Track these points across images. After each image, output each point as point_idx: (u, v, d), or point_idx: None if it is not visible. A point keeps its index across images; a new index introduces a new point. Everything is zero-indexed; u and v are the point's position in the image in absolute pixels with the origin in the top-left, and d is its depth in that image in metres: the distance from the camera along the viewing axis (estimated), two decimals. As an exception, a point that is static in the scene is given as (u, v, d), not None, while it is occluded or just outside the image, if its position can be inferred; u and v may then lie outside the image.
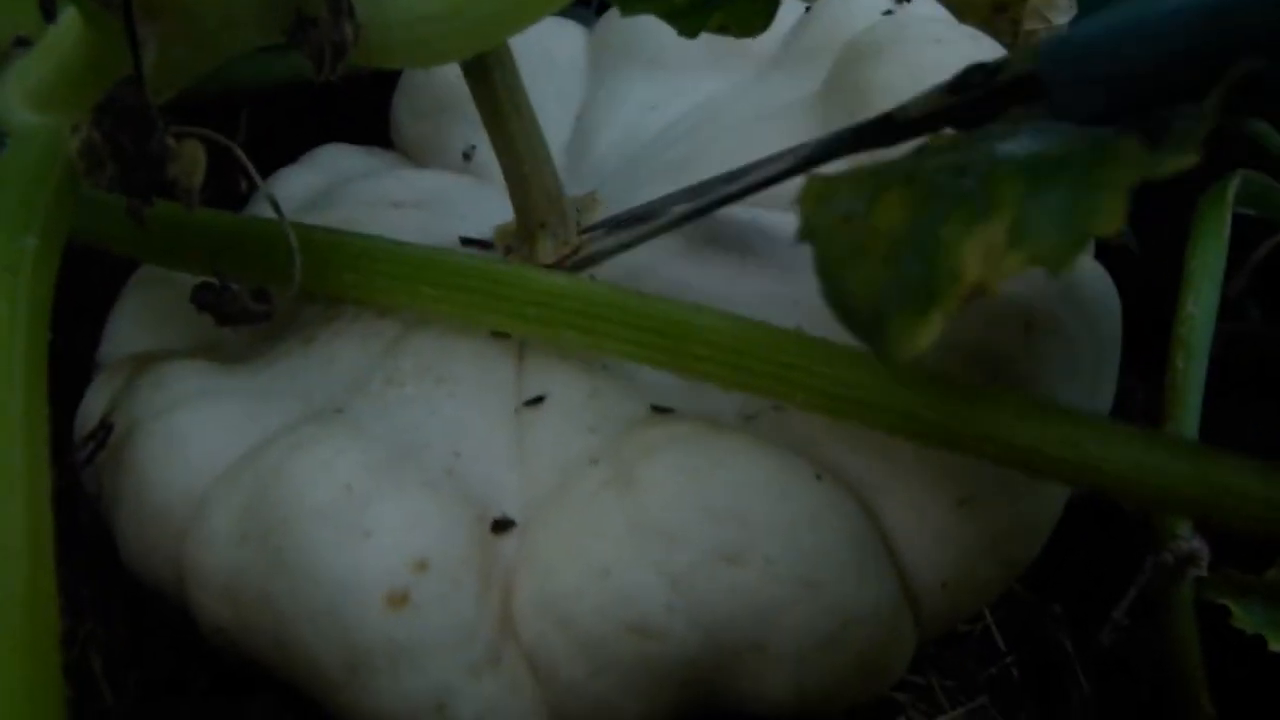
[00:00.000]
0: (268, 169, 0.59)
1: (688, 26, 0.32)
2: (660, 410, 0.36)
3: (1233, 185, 0.55)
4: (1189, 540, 0.53)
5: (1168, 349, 0.52)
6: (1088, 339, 0.35)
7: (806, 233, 0.30)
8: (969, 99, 0.34)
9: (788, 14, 0.52)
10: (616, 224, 0.42)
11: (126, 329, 0.47)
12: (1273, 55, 0.27)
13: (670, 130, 0.49)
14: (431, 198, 0.50)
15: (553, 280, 0.37)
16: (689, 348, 0.33)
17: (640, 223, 0.41)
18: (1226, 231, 0.55)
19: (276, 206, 0.40)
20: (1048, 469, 0.30)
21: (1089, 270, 0.37)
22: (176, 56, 0.39)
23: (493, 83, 0.43)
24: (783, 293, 0.37)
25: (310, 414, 0.39)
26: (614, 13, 0.55)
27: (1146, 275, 0.59)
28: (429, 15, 0.38)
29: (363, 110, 0.62)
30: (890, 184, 0.29)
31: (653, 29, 0.54)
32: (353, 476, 0.34)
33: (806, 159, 0.37)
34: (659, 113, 0.49)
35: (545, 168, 0.44)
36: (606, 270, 0.41)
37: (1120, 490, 0.29)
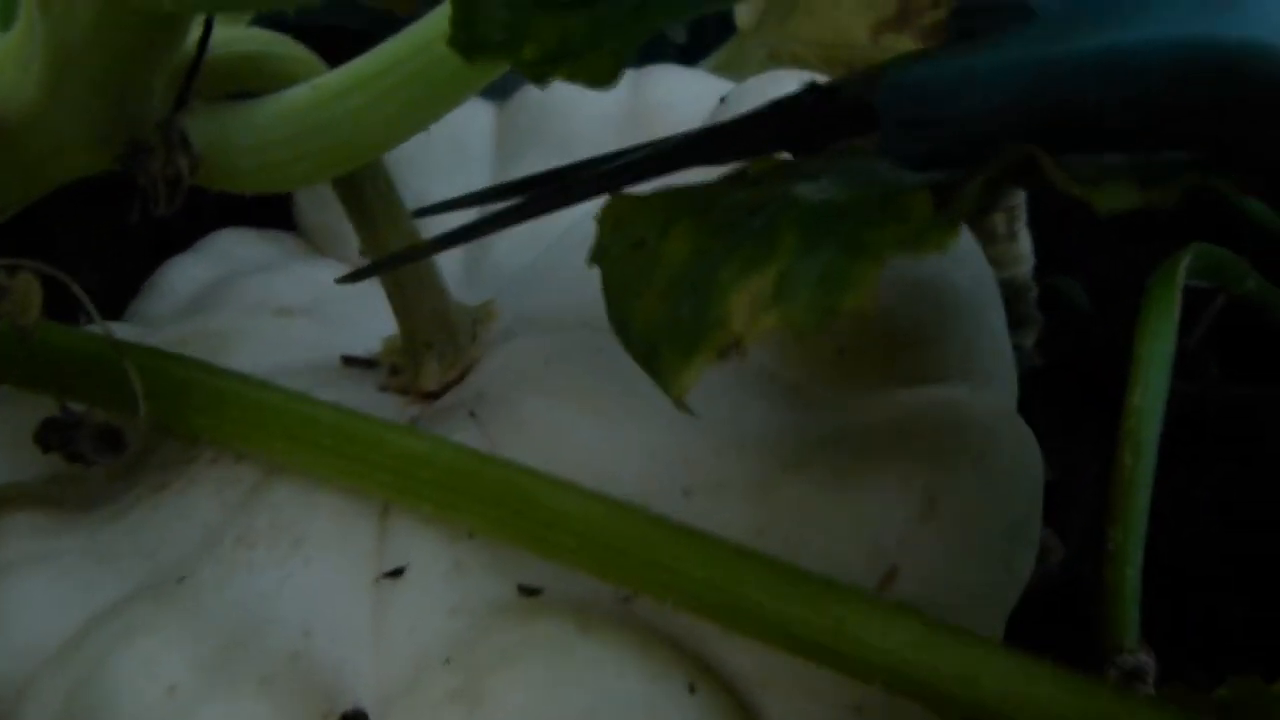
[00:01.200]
0: (168, 248, 0.55)
1: (536, 75, 0.29)
2: (527, 591, 0.32)
3: (1183, 263, 0.53)
4: (1134, 653, 0.51)
5: (1120, 420, 0.49)
6: (1002, 513, 0.32)
7: (598, 256, 0.29)
8: (799, 121, 0.32)
9: (699, 99, 0.48)
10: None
11: (-19, 454, 0.43)
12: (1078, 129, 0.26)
13: (576, 229, 0.45)
14: (321, 302, 0.47)
15: (410, 443, 0.33)
16: (554, 535, 0.30)
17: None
18: (1176, 313, 0.52)
19: (116, 345, 0.36)
20: (942, 705, 0.26)
21: (1007, 434, 0.33)
22: (2, 182, 0.35)
23: (365, 199, 0.39)
24: (669, 445, 0.34)
25: (152, 580, 0.35)
26: (521, 97, 0.52)
27: (1099, 338, 0.56)
28: (278, 140, 0.34)
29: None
30: (684, 213, 0.28)
31: (562, 109, 0.50)
32: (179, 676, 0.31)
33: (627, 168, 0.34)
34: (563, 213, 0.45)
35: (431, 286, 0.41)
36: (489, 410, 0.37)
37: None
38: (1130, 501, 0.52)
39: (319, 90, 0.34)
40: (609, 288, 0.29)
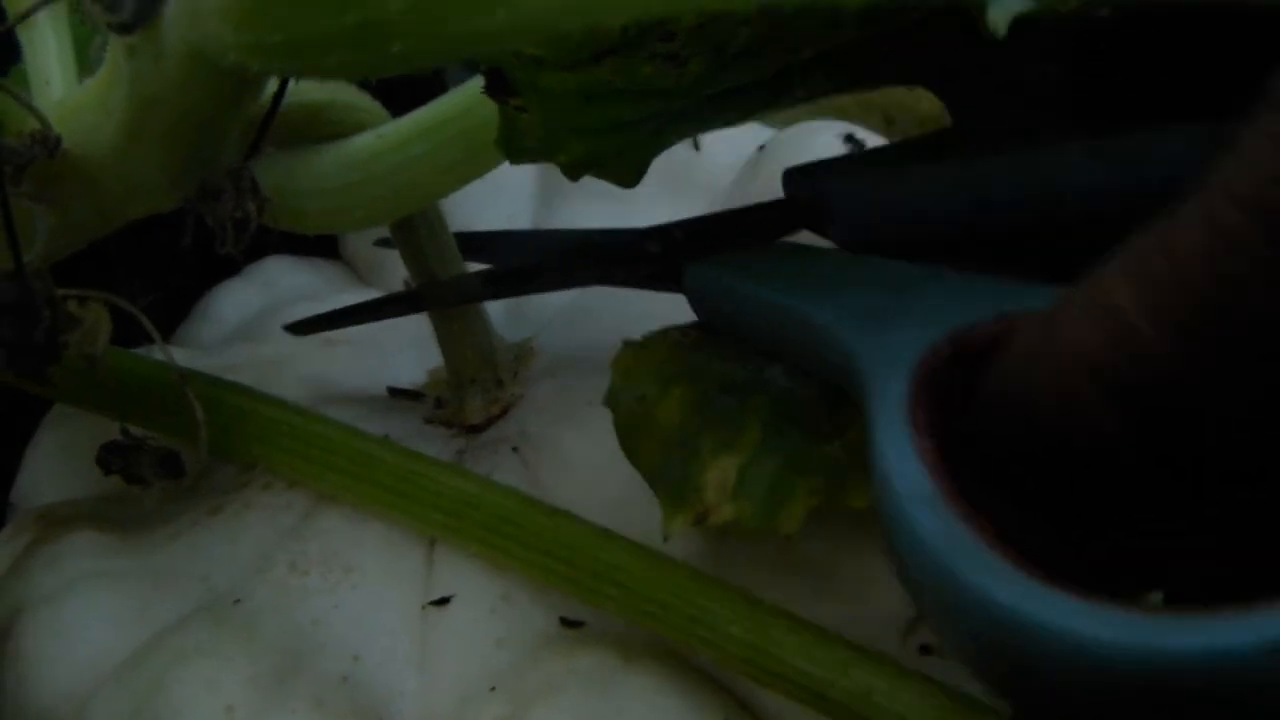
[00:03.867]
0: (218, 274, 0.57)
1: (570, 175, 0.34)
2: (570, 625, 0.34)
3: None
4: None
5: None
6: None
7: (610, 402, 0.33)
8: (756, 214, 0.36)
9: (741, 147, 0.50)
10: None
11: (40, 472, 0.45)
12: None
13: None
14: (367, 332, 0.48)
15: (460, 484, 0.35)
16: (597, 584, 0.31)
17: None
18: None
19: (182, 375, 0.38)
20: None
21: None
22: (79, 219, 0.37)
23: (418, 239, 0.41)
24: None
25: (208, 601, 0.36)
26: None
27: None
28: (342, 186, 0.36)
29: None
30: (678, 379, 0.33)
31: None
32: (236, 696, 0.32)
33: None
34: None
35: (476, 323, 0.43)
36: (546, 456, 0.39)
37: None
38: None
39: (382, 139, 0.36)
40: (621, 430, 0.33)
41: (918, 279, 0.27)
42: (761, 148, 0.48)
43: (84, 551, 0.38)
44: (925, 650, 0.32)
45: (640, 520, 0.33)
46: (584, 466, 0.37)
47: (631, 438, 0.32)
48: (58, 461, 0.45)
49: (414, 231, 0.41)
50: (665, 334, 0.35)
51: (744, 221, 0.37)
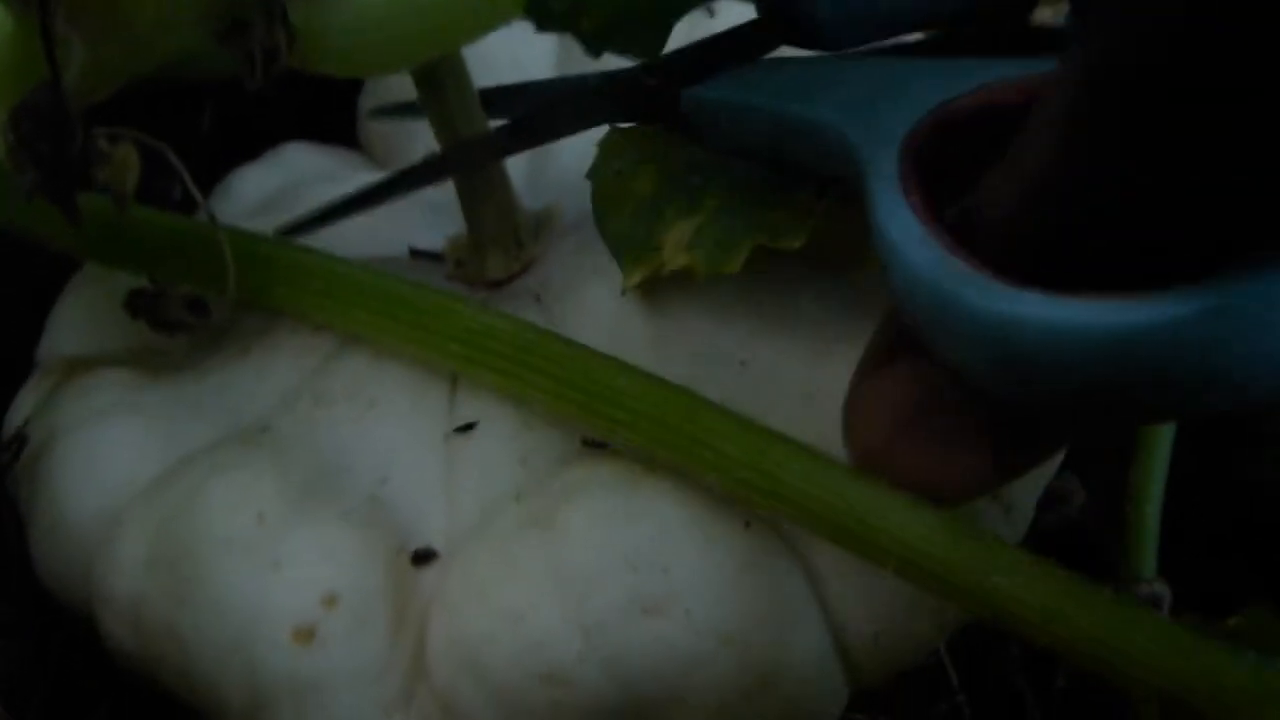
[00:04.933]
0: (236, 160, 0.58)
1: (592, 48, 0.36)
2: (592, 445, 0.34)
3: None
4: (1151, 583, 0.53)
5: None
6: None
7: (591, 174, 0.37)
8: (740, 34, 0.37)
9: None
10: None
11: (66, 328, 0.45)
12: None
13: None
14: (386, 208, 0.49)
15: (479, 318, 0.35)
16: (608, 410, 0.32)
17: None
18: None
19: (212, 217, 0.39)
20: (951, 592, 0.29)
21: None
22: (108, 57, 0.37)
23: (445, 94, 0.41)
24: (728, 324, 0.36)
25: (236, 431, 0.37)
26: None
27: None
28: (369, 23, 0.37)
29: (335, 104, 0.60)
30: (650, 158, 0.36)
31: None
32: (267, 505, 0.33)
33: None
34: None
35: (499, 184, 0.43)
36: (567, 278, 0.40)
37: (1028, 637, 0.29)
38: (1151, 443, 0.54)
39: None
40: (597, 200, 0.36)
41: (902, 70, 0.30)
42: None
43: (114, 384, 0.39)
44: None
45: (660, 358, 0.34)
46: (603, 311, 0.38)
47: (605, 208, 0.36)
48: (84, 319, 0.45)
49: (440, 85, 0.41)
50: (650, 127, 0.38)
51: (729, 43, 0.37)
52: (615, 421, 0.33)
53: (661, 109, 0.38)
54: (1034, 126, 0.23)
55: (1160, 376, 0.21)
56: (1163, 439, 0.54)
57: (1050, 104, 0.22)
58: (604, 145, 0.37)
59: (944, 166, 0.27)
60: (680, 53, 0.38)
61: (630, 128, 0.38)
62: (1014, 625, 0.29)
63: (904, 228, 0.25)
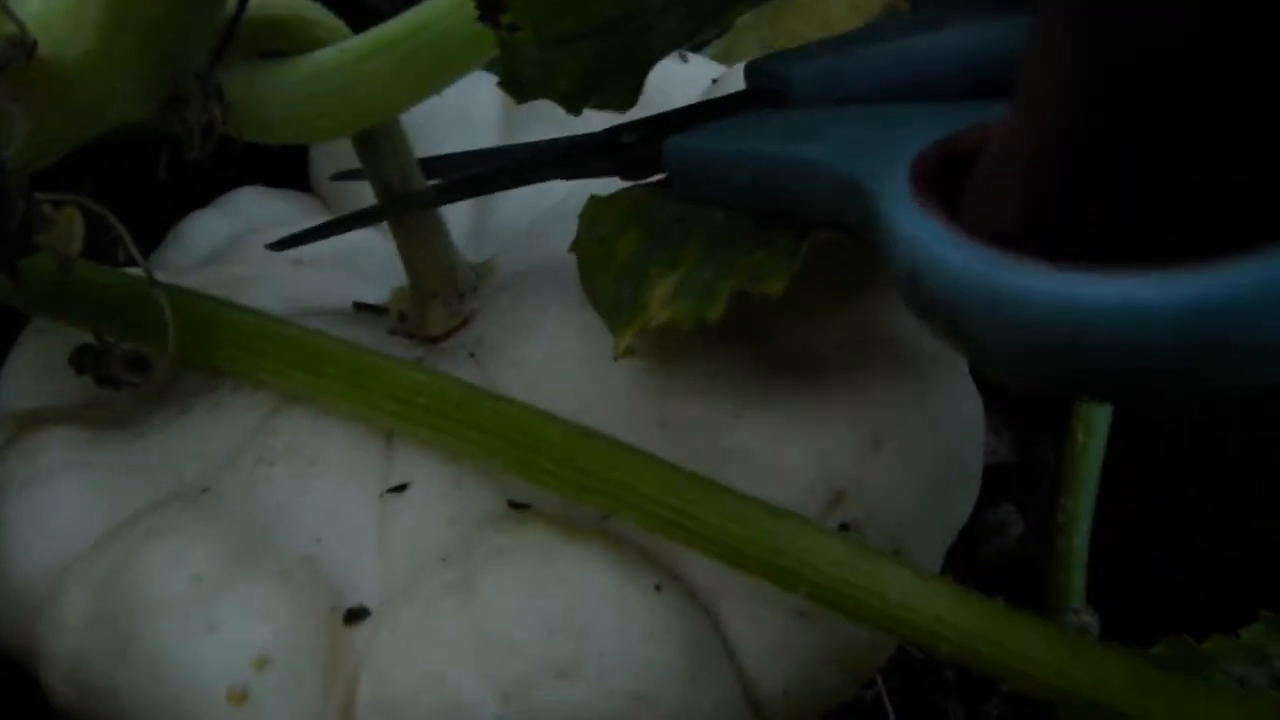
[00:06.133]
0: (192, 204, 0.59)
1: (572, 106, 0.37)
2: (517, 507, 0.36)
3: None
4: (1079, 612, 0.54)
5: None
6: (942, 450, 0.36)
7: (575, 246, 0.38)
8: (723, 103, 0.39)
9: (697, 78, 0.52)
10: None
11: (17, 380, 0.47)
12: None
13: (574, 196, 0.49)
14: (335, 255, 0.50)
15: (410, 375, 0.37)
16: (536, 460, 0.34)
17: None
18: None
19: (151, 277, 0.40)
20: (857, 612, 0.30)
21: (945, 375, 0.37)
22: (53, 126, 0.39)
23: (381, 155, 0.43)
24: (648, 386, 0.37)
25: (178, 491, 0.38)
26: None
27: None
28: (305, 96, 0.38)
29: (290, 150, 0.62)
30: (635, 220, 0.37)
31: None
32: (203, 568, 0.34)
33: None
34: (560, 184, 0.49)
35: (439, 240, 0.44)
36: (496, 336, 0.41)
37: (927, 645, 0.30)
38: (1080, 473, 0.56)
39: (345, 53, 0.38)
40: (582, 268, 0.37)
41: (898, 113, 0.30)
42: (715, 81, 0.50)
43: (60, 444, 0.40)
44: (844, 528, 0.34)
45: (586, 414, 0.36)
46: (535, 367, 0.40)
47: (591, 274, 0.36)
48: (33, 373, 0.46)
49: (377, 147, 0.42)
50: (627, 190, 0.39)
51: (712, 109, 0.39)
52: (542, 470, 0.34)
53: (638, 164, 0.39)
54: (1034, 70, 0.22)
55: (1245, 349, 0.19)
56: (1091, 470, 0.56)
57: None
58: (585, 214, 0.38)
59: (948, 199, 0.26)
60: (658, 116, 0.40)
61: (610, 195, 0.39)
62: (914, 639, 0.30)
63: (934, 235, 0.23)
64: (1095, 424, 0.55)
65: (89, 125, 0.40)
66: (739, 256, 0.33)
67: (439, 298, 0.44)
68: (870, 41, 0.36)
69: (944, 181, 0.26)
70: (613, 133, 0.41)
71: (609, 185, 0.40)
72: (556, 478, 0.33)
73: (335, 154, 0.56)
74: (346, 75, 0.38)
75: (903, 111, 0.30)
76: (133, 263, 0.45)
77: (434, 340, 0.44)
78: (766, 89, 0.37)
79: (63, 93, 0.38)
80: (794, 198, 0.33)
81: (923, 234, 0.23)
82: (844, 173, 0.29)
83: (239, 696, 0.33)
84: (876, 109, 0.32)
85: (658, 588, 0.33)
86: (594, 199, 0.38)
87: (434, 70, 0.39)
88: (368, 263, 0.51)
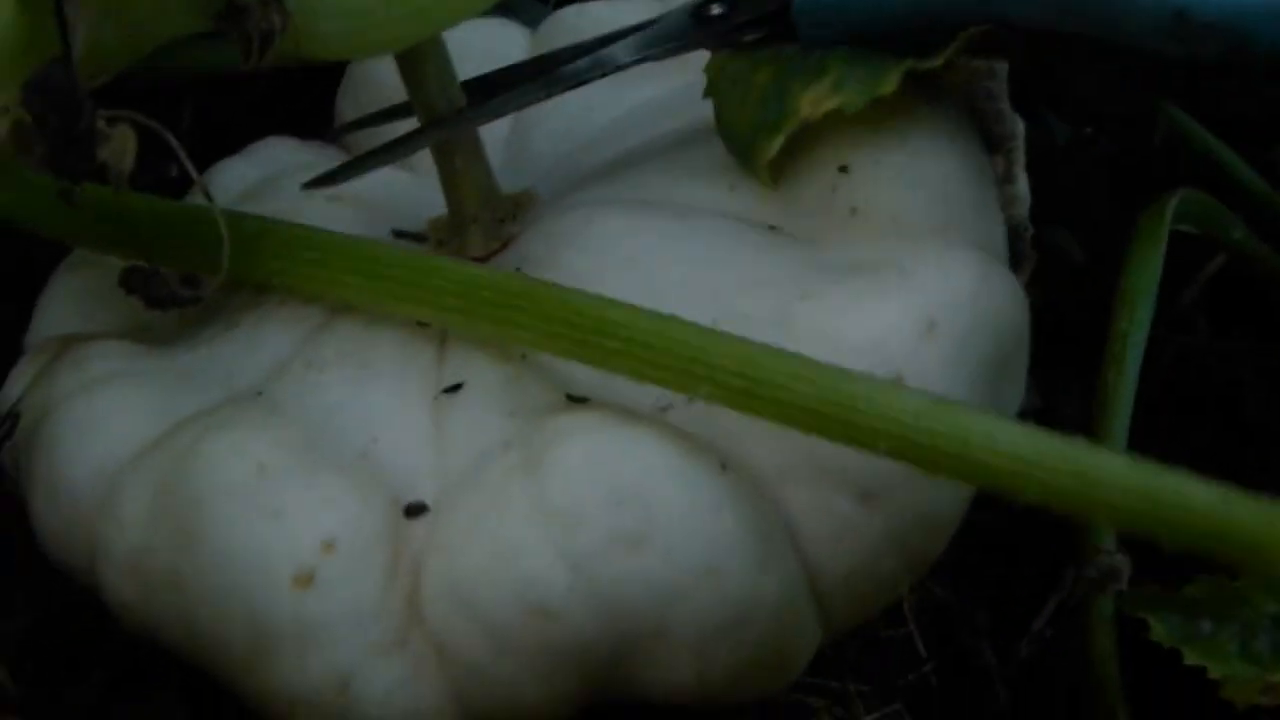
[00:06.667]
0: (212, 158, 0.59)
1: None
2: (575, 399, 0.36)
3: (1172, 203, 0.55)
4: (1111, 554, 0.54)
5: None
6: (991, 346, 0.36)
7: (710, 90, 0.41)
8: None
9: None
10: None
11: (56, 311, 0.47)
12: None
13: (606, 131, 0.50)
14: (368, 193, 0.51)
15: (469, 270, 0.37)
16: (600, 341, 0.34)
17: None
18: (1163, 248, 0.54)
19: (207, 193, 0.40)
20: (940, 462, 0.30)
21: (996, 276, 0.37)
22: (107, 42, 0.39)
23: (426, 75, 0.43)
24: (699, 285, 0.38)
25: (230, 396, 0.39)
26: (556, 17, 0.56)
27: (1090, 289, 0.60)
28: (359, 7, 0.38)
29: (313, 101, 0.62)
30: (764, 60, 0.40)
31: (593, 32, 0.55)
32: (266, 457, 0.35)
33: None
34: (596, 114, 0.50)
35: (478, 163, 0.45)
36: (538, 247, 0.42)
37: (1011, 491, 0.30)
38: (1110, 416, 0.55)
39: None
40: (720, 108, 0.41)
41: None
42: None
43: (108, 354, 0.40)
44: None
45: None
46: (583, 277, 0.40)
47: (730, 110, 0.40)
48: (73, 302, 0.47)
49: (422, 67, 0.43)
50: (743, 46, 0.42)
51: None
52: (608, 351, 0.34)
53: (730, 33, 0.42)
54: None
55: None
56: (1120, 420, 0.56)
57: None
58: (713, 66, 0.41)
59: None
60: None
61: (729, 51, 0.41)
62: (997, 484, 0.31)
63: None
64: (1128, 366, 0.55)
65: (142, 41, 0.40)
66: (887, 61, 0.37)
67: (479, 221, 0.45)
68: None
69: None
70: (699, 6, 0.42)
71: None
72: (624, 356, 0.34)
73: (360, 101, 0.57)
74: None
75: None
76: (168, 190, 0.45)
77: (476, 260, 0.44)
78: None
79: (118, 5, 0.38)
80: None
81: None
82: None
83: (305, 580, 0.33)
84: None
85: (723, 467, 0.34)
86: (719, 55, 0.42)
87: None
88: (399, 199, 0.51)
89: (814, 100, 0.37)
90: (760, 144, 0.38)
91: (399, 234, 0.47)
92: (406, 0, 0.39)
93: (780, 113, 0.38)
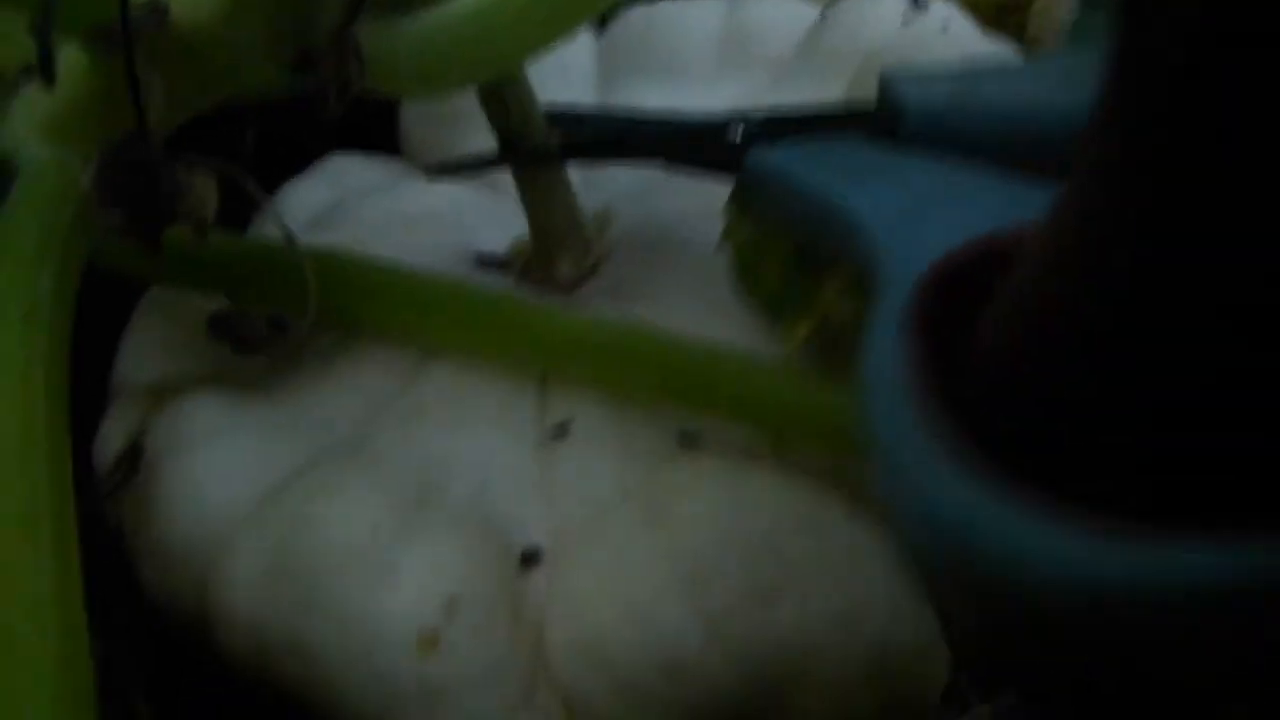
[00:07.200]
0: (276, 177, 0.58)
1: None
2: (689, 437, 0.36)
3: None
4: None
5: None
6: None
7: (727, 236, 0.37)
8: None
9: (799, 18, 0.51)
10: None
11: (141, 353, 0.46)
12: None
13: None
14: (443, 212, 0.50)
15: (575, 320, 0.37)
16: (712, 395, 0.33)
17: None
18: None
19: (292, 237, 0.40)
20: None
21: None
22: (183, 93, 0.38)
23: (504, 101, 0.42)
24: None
25: (333, 446, 0.38)
26: (624, 20, 0.55)
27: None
28: (438, 49, 0.38)
29: (375, 113, 0.61)
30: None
31: (663, 36, 0.54)
32: (379, 517, 0.34)
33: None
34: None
35: (561, 186, 0.44)
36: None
37: None
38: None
39: (478, 2, 0.38)
40: (736, 264, 0.36)
41: (954, 183, 0.26)
42: (823, 16, 0.49)
43: (209, 406, 0.40)
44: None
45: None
46: (680, 306, 0.39)
47: (746, 272, 0.36)
48: (156, 344, 0.46)
49: (502, 97, 0.42)
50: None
51: (819, 120, 0.39)
52: (721, 397, 0.34)
53: (722, 163, 0.39)
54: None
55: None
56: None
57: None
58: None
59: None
60: (776, 118, 0.40)
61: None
62: None
63: (881, 370, 0.19)
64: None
65: (219, 90, 0.39)
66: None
67: (566, 246, 0.44)
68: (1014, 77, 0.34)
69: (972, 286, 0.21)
70: (722, 126, 0.40)
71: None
72: (733, 408, 0.33)
73: (428, 116, 0.56)
74: (478, 25, 0.38)
75: (961, 181, 0.26)
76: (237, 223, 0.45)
77: (566, 288, 0.43)
78: (887, 107, 0.35)
79: (194, 58, 0.38)
80: (839, 245, 0.29)
81: (872, 371, 0.19)
82: (873, 243, 0.25)
83: (430, 641, 0.33)
84: (941, 169, 0.28)
85: (850, 512, 0.33)
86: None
87: (559, 18, 0.39)
88: (475, 217, 0.50)
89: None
90: (787, 328, 0.33)
91: (483, 260, 0.47)
92: (485, 38, 0.38)
93: (804, 299, 0.32)
